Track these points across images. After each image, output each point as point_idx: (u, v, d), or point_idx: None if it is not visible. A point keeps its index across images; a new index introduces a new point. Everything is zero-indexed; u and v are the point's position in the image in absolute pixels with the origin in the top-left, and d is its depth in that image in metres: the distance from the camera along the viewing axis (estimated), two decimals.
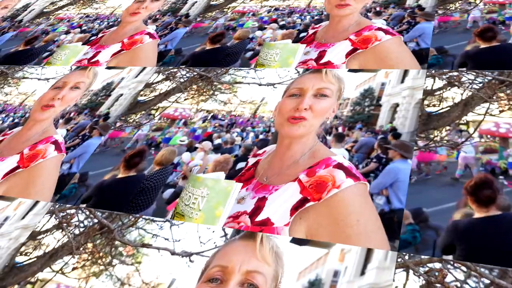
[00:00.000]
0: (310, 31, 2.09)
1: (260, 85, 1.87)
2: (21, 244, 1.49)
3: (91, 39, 2.49)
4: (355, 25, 1.97)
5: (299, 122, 1.54)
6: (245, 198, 1.43)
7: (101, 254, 1.40)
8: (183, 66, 2.07)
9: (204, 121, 1.80)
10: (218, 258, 1.31)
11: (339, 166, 1.40)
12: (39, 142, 1.89)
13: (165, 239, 1.40)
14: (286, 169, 1.46)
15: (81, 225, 1.50)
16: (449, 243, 1.20)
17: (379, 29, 1.92)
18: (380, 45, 1.86)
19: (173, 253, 1.36)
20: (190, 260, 1.32)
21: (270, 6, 2.36)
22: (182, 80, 2.01)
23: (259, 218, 1.35)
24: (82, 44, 2.46)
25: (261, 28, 2.19)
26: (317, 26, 2.10)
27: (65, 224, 1.50)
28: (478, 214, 1.23)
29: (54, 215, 1.56)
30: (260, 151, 1.61)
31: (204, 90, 1.92)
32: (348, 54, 1.84)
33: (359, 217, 1.29)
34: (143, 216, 1.47)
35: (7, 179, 1.76)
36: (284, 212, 1.34)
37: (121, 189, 1.62)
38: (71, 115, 2.00)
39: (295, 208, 1.34)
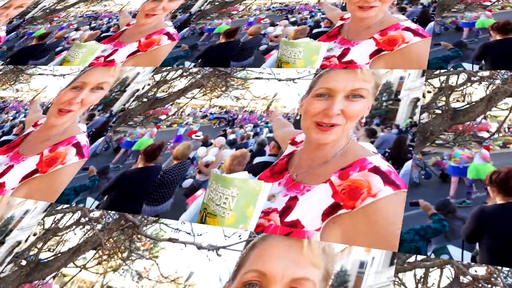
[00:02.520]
0: (339, 22, 2.02)
1: (279, 80, 1.85)
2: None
3: (102, 35, 2.48)
4: (379, 23, 1.89)
5: (330, 130, 1.42)
6: (276, 196, 1.36)
7: (121, 248, 1.39)
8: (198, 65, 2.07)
9: (202, 118, 1.80)
10: (254, 260, 1.21)
11: (376, 170, 1.30)
12: (60, 143, 1.79)
13: (187, 233, 1.38)
14: (316, 168, 1.38)
15: (107, 220, 1.50)
16: (476, 228, 1.19)
17: (407, 29, 1.82)
18: (407, 48, 1.75)
19: (199, 247, 1.33)
20: (218, 254, 1.30)
21: (280, 3, 2.36)
22: (199, 76, 1.99)
23: (289, 218, 1.30)
24: (96, 41, 2.44)
25: (272, 24, 2.19)
26: (346, 18, 2.03)
27: (95, 223, 1.49)
28: (501, 201, 1.23)
29: (86, 217, 1.53)
30: (298, 139, 1.53)
31: (217, 85, 1.91)
32: (373, 55, 1.77)
33: (401, 227, 1.20)
34: (163, 220, 1.45)
35: (26, 183, 1.68)
36: (315, 216, 1.28)
37: (142, 177, 1.62)
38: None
39: (326, 214, 1.27)
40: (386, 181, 1.28)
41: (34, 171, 1.72)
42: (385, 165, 1.32)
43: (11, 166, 1.77)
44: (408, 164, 1.37)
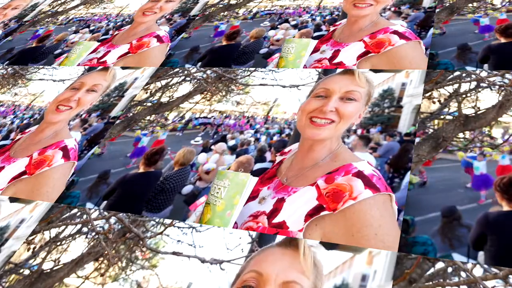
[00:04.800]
0: (331, 28, 2.04)
1: (284, 87, 1.83)
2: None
3: (101, 38, 2.46)
4: (371, 26, 1.91)
5: (324, 126, 1.49)
6: (265, 199, 1.41)
7: (121, 258, 1.38)
8: (200, 66, 2.05)
9: (187, 124, 1.78)
10: (254, 263, 1.26)
11: (359, 174, 1.34)
12: (49, 146, 1.83)
13: (189, 245, 1.37)
14: (305, 171, 1.43)
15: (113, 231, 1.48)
16: (480, 234, 1.18)
17: (395, 32, 1.84)
18: (392, 50, 1.78)
19: (203, 261, 1.32)
20: (221, 268, 1.29)
21: (280, 6, 2.34)
22: (207, 80, 1.97)
23: (276, 220, 1.34)
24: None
25: (273, 28, 2.17)
26: (337, 23, 2.06)
27: (102, 235, 1.47)
28: (507, 208, 1.22)
29: (89, 225, 1.52)
30: (286, 149, 1.57)
31: (219, 90, 1.89)
32: (360, 57, 1.80)
33: (377, 231, 1.24)
34: (166, 232, 1.44)
35: (15, 183, 1.72)
36: (299, 217, 1.32)
37: (143, 182, 1.61)
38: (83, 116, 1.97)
39: (310, 215, 1.31)
40: (367, 184, 1.32)
41: (23, 173, 1.76)
42: (369, 170, 1.36)
43: (2, 167, 1.80)
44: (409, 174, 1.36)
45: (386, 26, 1.88)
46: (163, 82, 2.03)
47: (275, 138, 1.64)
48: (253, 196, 1.44)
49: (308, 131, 1.50)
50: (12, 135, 1.98)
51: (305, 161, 1.46)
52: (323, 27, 2.07)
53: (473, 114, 1.49)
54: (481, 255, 1.15)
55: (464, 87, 1.59)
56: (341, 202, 1.29)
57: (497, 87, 1.55)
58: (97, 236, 1.47)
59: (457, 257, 1.15)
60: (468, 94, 1.55)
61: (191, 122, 1.80)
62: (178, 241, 1.39)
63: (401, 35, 1.82)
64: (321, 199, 1.32)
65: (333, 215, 1.29)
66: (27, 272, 1.41)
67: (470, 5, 1.95)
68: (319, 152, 1.46)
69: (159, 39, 2.29)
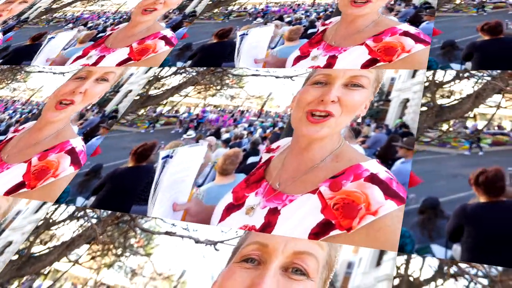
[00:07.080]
0: (320, 28, 1.94)
1: (277, 77, 1.76)
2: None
3: (98, 36, 2.43)
4: (372, 26, 1.72)
5: (322, 122, 1.30)
6: (254, 209, 1.22)
7: (115, 244, 1.38)
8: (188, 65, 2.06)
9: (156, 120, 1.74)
10: (256, 235, 1.10)
11: (373, 179, 1.14)
12: (51, 149, 1.60)
13: (183, 228, 1.34)
14: (303, 174, 1.24)
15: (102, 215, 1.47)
16: (457, 226, 1.16)
17: (406, 34, 1.62)
18: (410, 58, 1.54)
19: (197, 241, 1.25)
20: (216, 249, 1.23)
21: (275, 3, 2.35)
22: (198, 71, 1.95)
23: None
24: (90, 40, 2.40)
25: (266, 25, 2.18)
26: (327, 22, 1.97)
27: (91, 214, 1.46)
28: (484, 200, 1.20)
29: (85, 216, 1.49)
30: (274, 146, 1.46)
31: (212, 84, 1.89)
32: (365, 66, 1.59)
33: None
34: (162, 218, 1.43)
35: (12, 197, 1.50)
36: (300, 235, 1.12)
37: (134, 177, 1.59)
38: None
39: (314, 234, 1.10)
40: (387, 192, 1.13)
41: (21, 185, 1.55)
42: (383, 172, 1.17)
43: None
44: (399, 163, 1.35)
45: (391, 26, 1.68)
46: (150, 72, 1.97)
47: (269, 131, 1.64)
48: (237, 204, 1.28)
49: (305, 128, 1.32)
50: (11, 129, 1.98)
51: (301, 163, 1.27)
52: (317, 24, 2.03)
53: (448, 104, 1.44)
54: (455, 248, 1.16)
55: (438, 76, 1.57)
56: (357, 218, 1.09)
57: (472, 78, 1.53)
58: (85, 215, 1.40)
59: (436, 248, 1.15)
60: (444, 87, 1.55)
61: (161, 116, 1.76)
62: (172, 224, 1.36)
63: (416, 38, 1.63)
64: (327, 212, 1.13)
65: (348, 237, 1.08)
66: (15, 257, 1.41)
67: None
68: (318, 152, 1.28)
69: (167, 41, 2.04)
